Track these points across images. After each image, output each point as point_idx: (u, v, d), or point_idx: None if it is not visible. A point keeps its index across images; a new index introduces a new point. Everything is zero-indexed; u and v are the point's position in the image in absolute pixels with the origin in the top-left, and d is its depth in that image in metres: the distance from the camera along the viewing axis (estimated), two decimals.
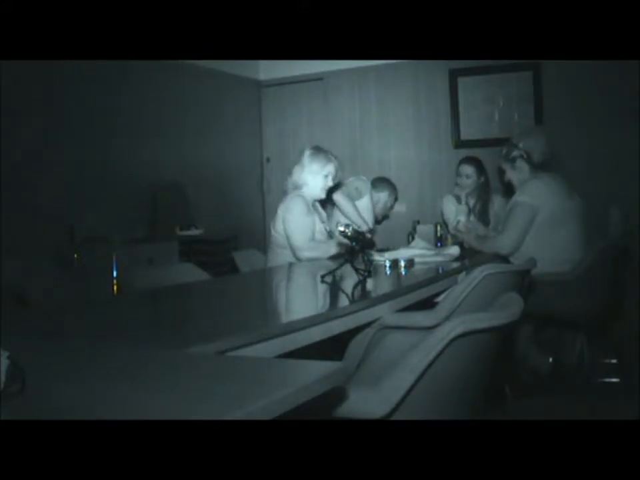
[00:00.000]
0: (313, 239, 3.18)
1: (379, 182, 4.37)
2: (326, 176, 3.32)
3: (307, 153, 3.38)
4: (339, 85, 5.46)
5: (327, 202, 3.62)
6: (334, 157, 3.40)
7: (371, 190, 4.11)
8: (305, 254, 3.12)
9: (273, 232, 3.30)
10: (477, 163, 4.20)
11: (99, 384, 0.96)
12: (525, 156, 3.31)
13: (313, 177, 3.31)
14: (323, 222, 3.36)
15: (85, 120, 3.97)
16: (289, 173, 3.42)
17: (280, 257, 3.20)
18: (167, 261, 3.93)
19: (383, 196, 4.32)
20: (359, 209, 3.74)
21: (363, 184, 4.01)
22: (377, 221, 4.40)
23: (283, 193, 3.45)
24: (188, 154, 4.84)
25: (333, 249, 3.09)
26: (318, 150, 3.40)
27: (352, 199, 3.77)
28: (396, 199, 4.45)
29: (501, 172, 3.61)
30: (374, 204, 4.13)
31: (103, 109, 4.11)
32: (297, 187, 3.33)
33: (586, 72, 4.49)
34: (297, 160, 3.43)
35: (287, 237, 3.18)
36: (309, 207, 3.26)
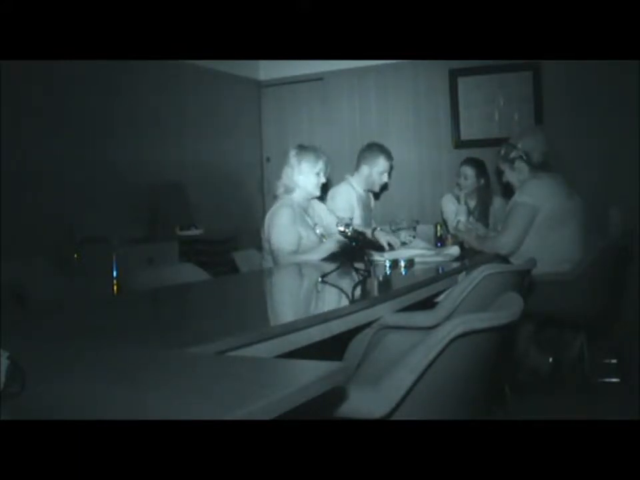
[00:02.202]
0: (296, 251, 3.07)
1: (367, 153, 3.96)
2: (318, 173, 3.23)
3: (293, 153, 3.27)
4: (339, 85, 5.46)
5: (321, 198, 3.52)
6: (322, 152, 3.30)
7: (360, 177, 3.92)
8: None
9: (263, 238, 3.22)
10: (477, 165, 4.18)
11: (99, 384, 0.96)
12: (524, 156, 3.32)
13: (305, 177, 3.22)
14: (315, 223, 3.28)
15: (85, 120, 3.96)
16: (278, 176, 3.32)
17: (271, 263, 3.17)
18: (166, 261, 3.93)
19: (372, 170, 3.92)
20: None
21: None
22: (376, 195, 4.18)
23: (274, 197, 3.35)
24: (188, 154, 4.83)
25: (319, 255, 2.99)
26: (304, 148, 3.29)
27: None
28: (391, 167, 4.00)
29: (499, 172, 3.61)
30: (367, 177, 3.91)
31: (103, 109, 4.11)
32: (289, 190, 3.23)
33: (586, 72, 4.49)
34: (284, 161, 3.31)
35: (271, 251, 3.13)
36: (294, 215, 3.14)
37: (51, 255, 3.41)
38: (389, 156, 3.96)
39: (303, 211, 3.27)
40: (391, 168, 4.02)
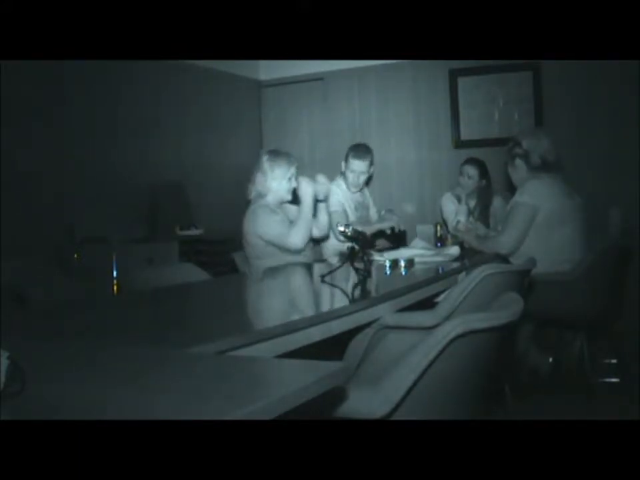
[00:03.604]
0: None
1: (346, 153, 3.92)
2: (290, 179, 3.25)
3: (265, 158, 3.28)
4: (339, 85, 5.46)
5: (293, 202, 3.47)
6: (293, 157, 3.32)
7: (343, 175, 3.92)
8: (298, 243, 3.05)
9: (245, 245, 3.23)
10: (480, 165, 4.19)
11: (99, 384, 0.96)
12: (525, 155, 3.31)
13: (278, 183, 3.24)
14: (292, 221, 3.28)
15: (85, 120, 3.96)
16: (251, 180, 3.33)
17: (257, 267, 3.17)
18: (166, 261, 3.93)
19: (346, 170, 3.89)
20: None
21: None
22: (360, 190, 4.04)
23: (246, 203, 3.36)
24: (188, 154, 4.83)
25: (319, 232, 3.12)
26: (276, 154, 3.31)
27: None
28: (371, 164, 3.89)
29: (506, 167, 3.60)
30: (345, 176, 3.89)
31: (103, 109, 4.11)
32: (261, 196, 3.26)
33: (586, 72, 4.49)
34: (256, 166, 3.32)
35: (273, 244, 3.12)
36: (274, 210, 3.21)
37: (51, 255, 3.42)
38: (359, 155, 3.85)
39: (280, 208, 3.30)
40: (369, 167, 3.88)
